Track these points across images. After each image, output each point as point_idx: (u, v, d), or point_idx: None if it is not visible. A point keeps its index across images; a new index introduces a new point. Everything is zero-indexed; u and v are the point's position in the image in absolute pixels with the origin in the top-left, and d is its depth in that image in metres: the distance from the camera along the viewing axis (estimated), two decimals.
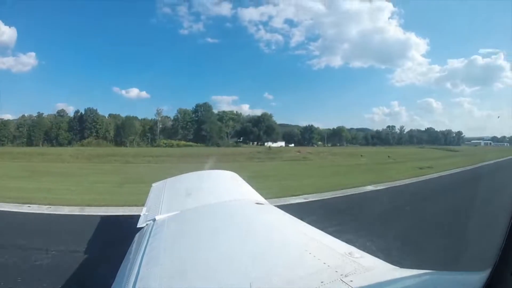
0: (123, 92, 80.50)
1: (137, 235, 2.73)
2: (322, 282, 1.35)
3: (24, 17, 79.66)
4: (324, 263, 1.53)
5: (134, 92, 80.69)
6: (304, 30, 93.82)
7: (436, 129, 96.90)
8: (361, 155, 38.40)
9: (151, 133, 63.51)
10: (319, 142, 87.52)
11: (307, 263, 1.59)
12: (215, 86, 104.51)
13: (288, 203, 9.93)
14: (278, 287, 1.34)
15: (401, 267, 1.57)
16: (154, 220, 2.80)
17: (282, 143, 76.82)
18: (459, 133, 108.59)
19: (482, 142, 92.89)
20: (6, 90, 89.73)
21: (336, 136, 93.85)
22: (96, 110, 61.42)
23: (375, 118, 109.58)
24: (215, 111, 72.76)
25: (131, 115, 65.19)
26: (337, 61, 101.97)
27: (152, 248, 2.10)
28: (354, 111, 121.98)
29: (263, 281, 1.40)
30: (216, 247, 1.99)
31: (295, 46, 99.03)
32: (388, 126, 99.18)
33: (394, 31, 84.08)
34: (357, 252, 1.69)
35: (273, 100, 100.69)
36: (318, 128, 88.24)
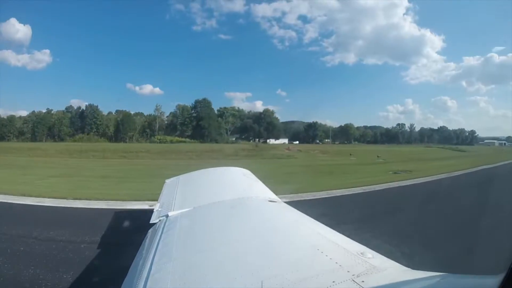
0: (137, 88, 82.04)
1: (150, 231, 2.75)
2: (333, 281, 1.35)
3: (38, 15, 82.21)
4: (336, 263, 1.54)
5: (147, 88, 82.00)
6: (317, 26, 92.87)
7: (449, 128, 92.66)
8: (350, 154, 36.07)
9: (150, 129, 63.82)
10: (326, 140, 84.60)
11: (319, 262, 1.59)
12: (228, 82, 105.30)
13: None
14: (289, 286, 1.34)
15: (413, 269, 1.56)
16: (167, 216, 2.81)
17: (285, 140, 74.65)
18: (473, 132, 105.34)
19: (497, 142, 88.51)
20: (22, 87, 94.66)
21: (344, 134, 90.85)
22: (97, 106, 62.56)
23: (389, 116, 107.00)
24: (228, 107, 71.25)
25: (139, 111, 66.03)
26: (351, 58, 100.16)
27: (165, 244, 2.12)
28: (367, 109, 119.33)
29: (275, 280, 1.40)
30: (228, 244, 2.02)
31: (308, 43, 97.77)
32: (398, 124, 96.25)
33: (409, 27, 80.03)
34: (369, 253, 1.69)
35: (287, 97, 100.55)
36: (325, 125, 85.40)
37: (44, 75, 73.67)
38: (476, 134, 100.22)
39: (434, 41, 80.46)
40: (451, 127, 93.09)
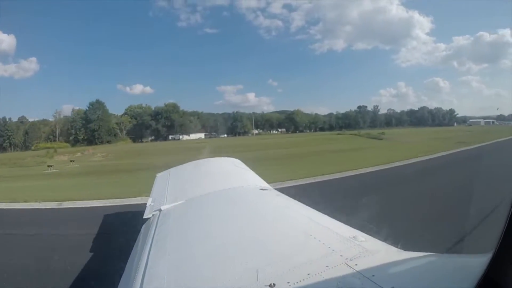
0: (127, 89, 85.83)
1: (144, 226, 2.74)
2: (327, 266, 1.36)
3: (21, 23, 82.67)
4: (329, 247, 1.54)
5: (138, 88, 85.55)
6: (303, 14, 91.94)
7: (443, 109, 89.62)
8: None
9: (53, 135, 65.27)
10: (278, 131, 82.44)
11: (312, 248, 1.59)
12: (219, 76, 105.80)
13: None
14: (283, 273, 1.35)
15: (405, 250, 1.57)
16: (160, 210, 2.80)
17: (202, 135, 69.24)
18: (451, 111, 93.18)
19: (482, 122, 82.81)
20: (9, 96, 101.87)
21: (290, 122, 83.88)
22: (9, 118, 65.92)
23: (382, 100, 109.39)
24: (222, 102, 70.85)
25: (44, 118, 67.61)
26: (340, 44, 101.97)
27: (159, 238, 2.11)
28: (360, 94, 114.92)
29: (269, 267, 1.40)
30: (222, 234, 2.02)
31: (295, 31, 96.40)
32: (359, 107, 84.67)
33: (396, 10, 79.34)
34: (361, 236, 1.69)
35: (278, 87, 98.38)
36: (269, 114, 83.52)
37: (32, 83, 78.39)
38: (455, 114, 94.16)
39: (422, 23, 77.16)
40: (445, 108, 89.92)
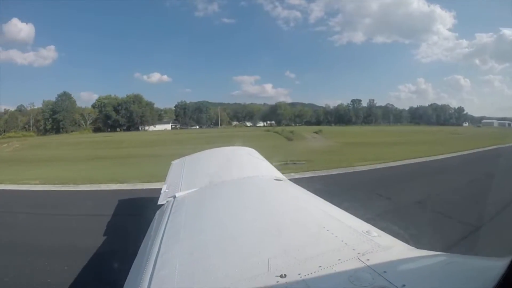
0: (145, 77, 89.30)
1: (157, 212, 2.74)
2: (339, 259, 1.35)
3: (39, 12, 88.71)
4: (342, 241, 1.53)
5: (155, 76, 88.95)
6: (322, 5, 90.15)
7: (464, 108, 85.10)
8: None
9: (28, 125, 69.76)
10: (265, 124, 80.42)
11: (324, 240, 1.58)
12: (236, 66, 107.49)
13: None
14: (295, 264, 1.35)
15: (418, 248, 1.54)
16: (174, 197, 2.81)
17: (168, 126, 70.55)
18: (460, 109, 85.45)
19: (496, 122, 77.58)
20: (30, 83, 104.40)
21: (273, 115, 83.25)
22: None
23: (401, 96, 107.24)
24: (238, 92, 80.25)
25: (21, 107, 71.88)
26: (359, 37, 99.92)
27: (173, 225, 2.12)
28: (378, 88, 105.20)
29: (281, 258, 1.40)
30: (234, 223, 2.02)
31: (314, 23, 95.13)
32: (353, 100, 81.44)
33: (417, 3, 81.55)
34: (374, 231, 1.66)
35: (296, 79, 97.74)
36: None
37: (51, 71, 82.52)
38: (465, 112, 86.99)
39: (444, 18, 72.76)
40: (465, 106, 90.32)
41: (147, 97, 70.03)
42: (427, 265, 1.39)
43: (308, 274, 1.26)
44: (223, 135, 41.10)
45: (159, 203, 2.90)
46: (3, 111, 70.75)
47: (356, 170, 12.97)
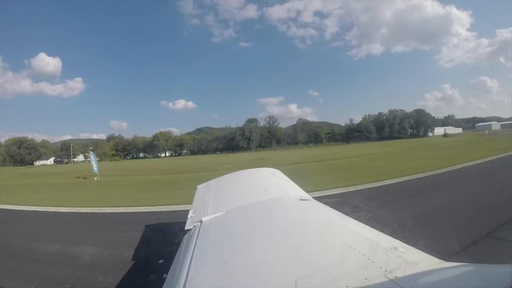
0: (170, 104, 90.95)
1: (185, 237, 2.82)
2: (366, 278, 1.34)
3: (65, 45, 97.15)
4: (368, 259, 1.53)
5: (181, 103, 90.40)
6: (336, 20, 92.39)
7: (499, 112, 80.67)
8: None
9: None
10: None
11: (351, 260, 1.58)
12: (259, 88, 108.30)
13: None
14: (322, 285, 1.35)
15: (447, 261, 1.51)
16: (201, 221, 2.87)
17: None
18: (451, 117, 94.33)
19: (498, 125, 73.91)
20: (61, 114, 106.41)
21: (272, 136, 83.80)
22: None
23: (428, 105, 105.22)
24: (264, 114, 77.30)
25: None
26: (377, 48, 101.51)
27: (200, 249, 2.17)
28: (404, 99, 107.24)
29: (308, 279, 1.41)
30: (262, 246, 2.03)
31: (330, 39, 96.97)
32: (351, 119, 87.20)
33: (432, 6, 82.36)
34: (402, 247, 1.65)
35: (319, 97, 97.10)
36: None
37: (79, 102, 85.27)
38: (454, 118, 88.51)
39: (461, 17, 73.48)
40: (495, 109, 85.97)
41: (172, 124, 70.16)
42: (456, 278, 1.37)
43: None
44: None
45: (186, 228, 2.96)
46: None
47: None
